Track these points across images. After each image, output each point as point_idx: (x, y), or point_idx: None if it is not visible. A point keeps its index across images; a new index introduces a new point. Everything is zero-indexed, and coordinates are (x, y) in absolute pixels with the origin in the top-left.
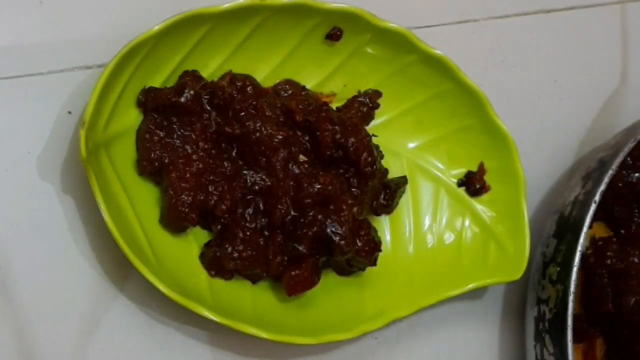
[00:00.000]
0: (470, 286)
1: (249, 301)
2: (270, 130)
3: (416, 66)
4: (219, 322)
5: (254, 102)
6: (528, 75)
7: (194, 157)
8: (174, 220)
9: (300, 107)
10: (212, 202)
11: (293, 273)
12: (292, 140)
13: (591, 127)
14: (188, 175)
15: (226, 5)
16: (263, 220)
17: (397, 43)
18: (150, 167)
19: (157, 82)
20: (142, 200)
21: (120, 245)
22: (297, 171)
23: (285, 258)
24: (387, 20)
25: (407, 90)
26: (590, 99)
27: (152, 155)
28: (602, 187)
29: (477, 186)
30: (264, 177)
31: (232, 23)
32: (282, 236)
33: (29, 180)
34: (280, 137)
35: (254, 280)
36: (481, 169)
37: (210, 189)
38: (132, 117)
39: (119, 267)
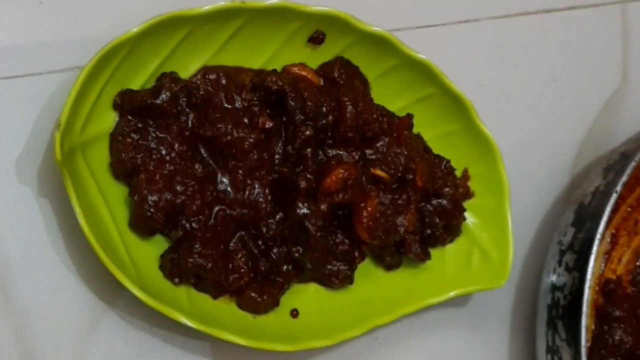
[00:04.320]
0: (453, 293)
1: (227, 307)
2: (241, 134)
3: (400, 70)
4: (196, 328)
5: (226, 94)
6: (528, 75)
7: (167, 159)
8: (140, 221)
9: (274, 78)
10: (180, 201)
11: (253, 294)
12: (264, 145)
13: (591, 127)
14: (158, 177)
15: (206, 8)
16: (232, 228)
17: (380, 47)
18: (122, 169)
19: (136, 84)
20: (120, 205)
21: (95, 249)
22: (261, 199)
23: (251, 273)
24: (372, 24)
25: (391, 94)
26: (591, 99)
27: (124, 156)
28: (624, 178)
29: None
30: (233, 189)
31: (212, 26)
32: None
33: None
34: (251, 140)
35: (215, 294)
36: (465, 175)
37: (180, 189)
38: (109, 120)
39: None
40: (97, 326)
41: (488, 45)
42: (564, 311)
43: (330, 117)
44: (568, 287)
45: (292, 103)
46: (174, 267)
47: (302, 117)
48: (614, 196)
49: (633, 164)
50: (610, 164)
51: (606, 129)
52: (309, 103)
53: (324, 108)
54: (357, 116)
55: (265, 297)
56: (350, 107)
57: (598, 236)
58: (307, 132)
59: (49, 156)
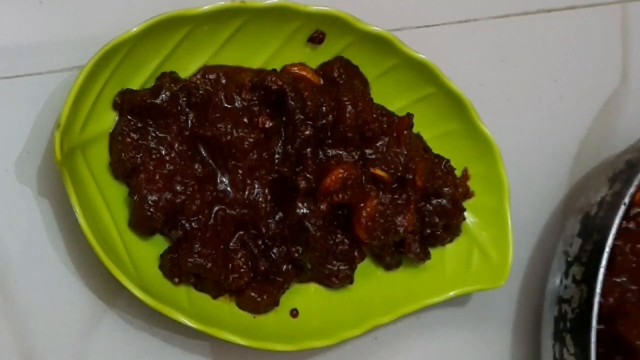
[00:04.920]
0: (453, 293)
1: (227, 307)
2: (241, 134)
3: (400, 70)
4: (196, 328)
5: (226, 94)
6: (528, 75)
7: (167, 159)
8: (140, 221)
9: (274, 78)
10: (180, 201)
11: (253, 294)
12: (264, 145)
13: (592, 127)
14: (158, 177)
15: (206, 8)
16: (232, 228)
17: (380, 47)
18: (122, 169)
19: (136, 84)
20: (120, 205)
21: (95, 249)
22: (261, 199)
23: (251, 273)
24: (372, 24)
25: (392, 94)
26: (591, 99)
27: (124, 156)
28: (632, 189)
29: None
30: (233, 189)
31: (212, 26)
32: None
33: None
34: (251, 140)
35: (215, 294)
36: (465, 175)
37: (180, 189)
38: (110, 120)
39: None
40: (97, 326)
41: (488, 45)
42: (573, 325)
43: (330, 117)
44: (576, 301)
45: (292, 103)
46: (174, 267)
47: (302, 117)
48: (623, 208)
49: None
50: (616, 173)
51: (606, 129)
52: (309, 103)
53: (324, 108)
54: (357, 116)
55: (265, 297)
56: (350, 107)
57: (607, 249)
58: (307, 132)
59: (49, 156)
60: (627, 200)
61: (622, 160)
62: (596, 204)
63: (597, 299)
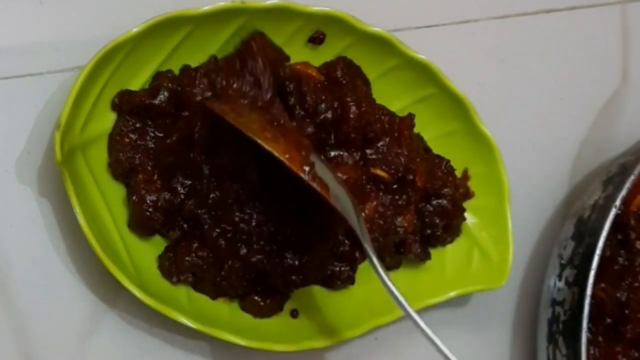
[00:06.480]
0: (453, 293)
1: (227, 307)
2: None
3: (400, 70)
4: (196, 328)
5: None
6: (528, 75)
7: None
8: (139, 221)
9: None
10: (178, 200)
11: (257, 298)
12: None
13: (592, 127)
14: (156, 177)
15: (206, 8)
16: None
17: (380, 47)
18: (120, 169)
19: (136, 85)
20: (120, 205)
21: (95, 249)
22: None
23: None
24: (372, 24)
25: (392, 94)
26: (591, 99)
27: (121, 156)
28: (623, 192)
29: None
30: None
31: (212, 26)
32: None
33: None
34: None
35: (213, 295)
36: (465, 175)
37: (179, 189)
38: (110, 120)
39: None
40: (97, 326)
41: (488, 45)
42: (565, 327)
43: (329, 114)
44: (568, 303)
45: (292, 99)
46: (172, 266)
47: (302, 113)
48: (613, 211)
49: (632, 177)
50: (609, 176)
51: (606, 129)
52: (307, 98)
53: (322, 105)
54: (360, 117)
55: (268, 302)
56: (354, 107)
57: (598, 252)
58: (309, 129)
59: (49, 156)
60: (617, 202)
61: (617, 163)
62: (589, 207)
63: (587, 301)
